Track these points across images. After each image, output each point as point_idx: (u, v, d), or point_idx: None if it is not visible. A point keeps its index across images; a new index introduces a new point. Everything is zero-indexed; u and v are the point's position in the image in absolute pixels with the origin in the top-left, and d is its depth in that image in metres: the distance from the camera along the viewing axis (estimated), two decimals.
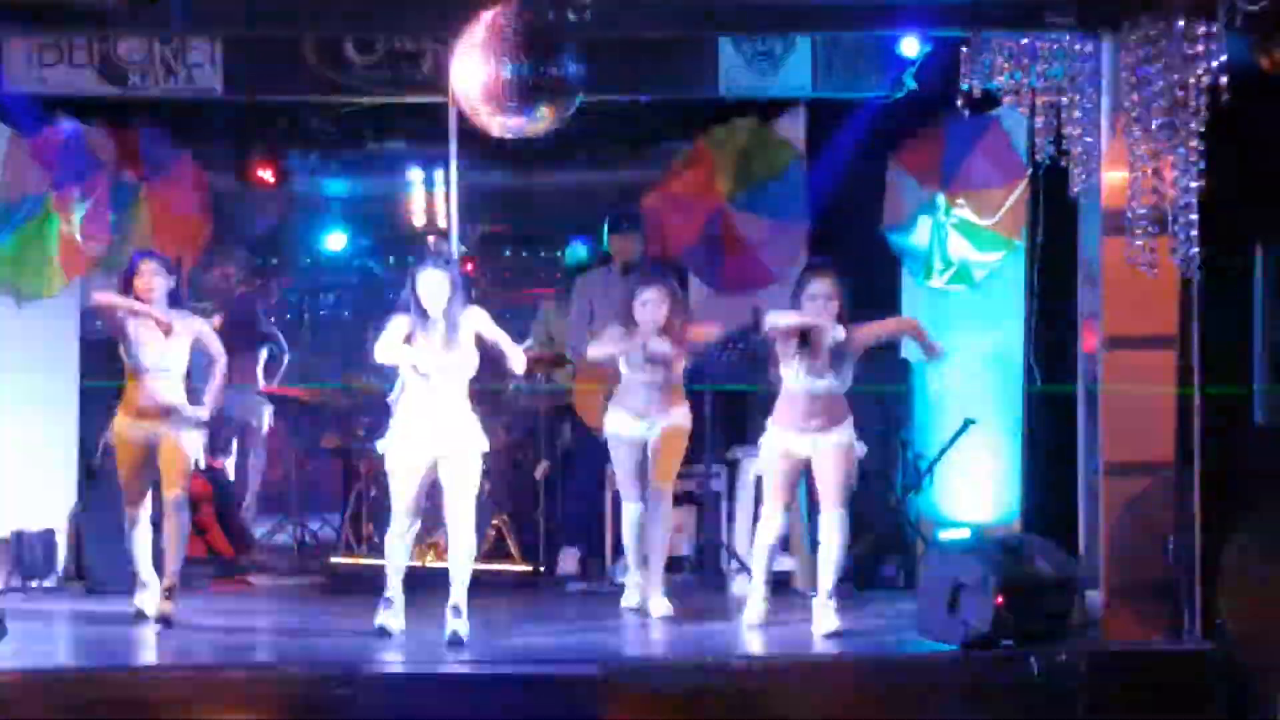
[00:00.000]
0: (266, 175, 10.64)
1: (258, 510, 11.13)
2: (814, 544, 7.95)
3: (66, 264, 9.42)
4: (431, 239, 11.22)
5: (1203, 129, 6.80)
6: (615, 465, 8.34)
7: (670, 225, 9.91)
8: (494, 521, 9.26)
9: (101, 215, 9.47)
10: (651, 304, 8.09)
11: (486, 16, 6.99)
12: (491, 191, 11.28)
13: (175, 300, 8.09)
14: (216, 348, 8.10)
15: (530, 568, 9.23)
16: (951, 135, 9.30)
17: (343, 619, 8.43)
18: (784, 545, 8.64)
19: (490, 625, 7.73)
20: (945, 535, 8.84)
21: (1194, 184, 6.84)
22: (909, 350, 8.81)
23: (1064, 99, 7.40)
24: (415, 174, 11.40)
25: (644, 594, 8.24)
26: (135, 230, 9.55)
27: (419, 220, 11.51)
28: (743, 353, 8.97)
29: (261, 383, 11.06)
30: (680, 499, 8.60)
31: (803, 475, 7.77)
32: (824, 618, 7.56)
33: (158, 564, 8.11)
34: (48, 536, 9.19)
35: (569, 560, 9.42)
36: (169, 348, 7.95)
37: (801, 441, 7.60)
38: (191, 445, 8.01)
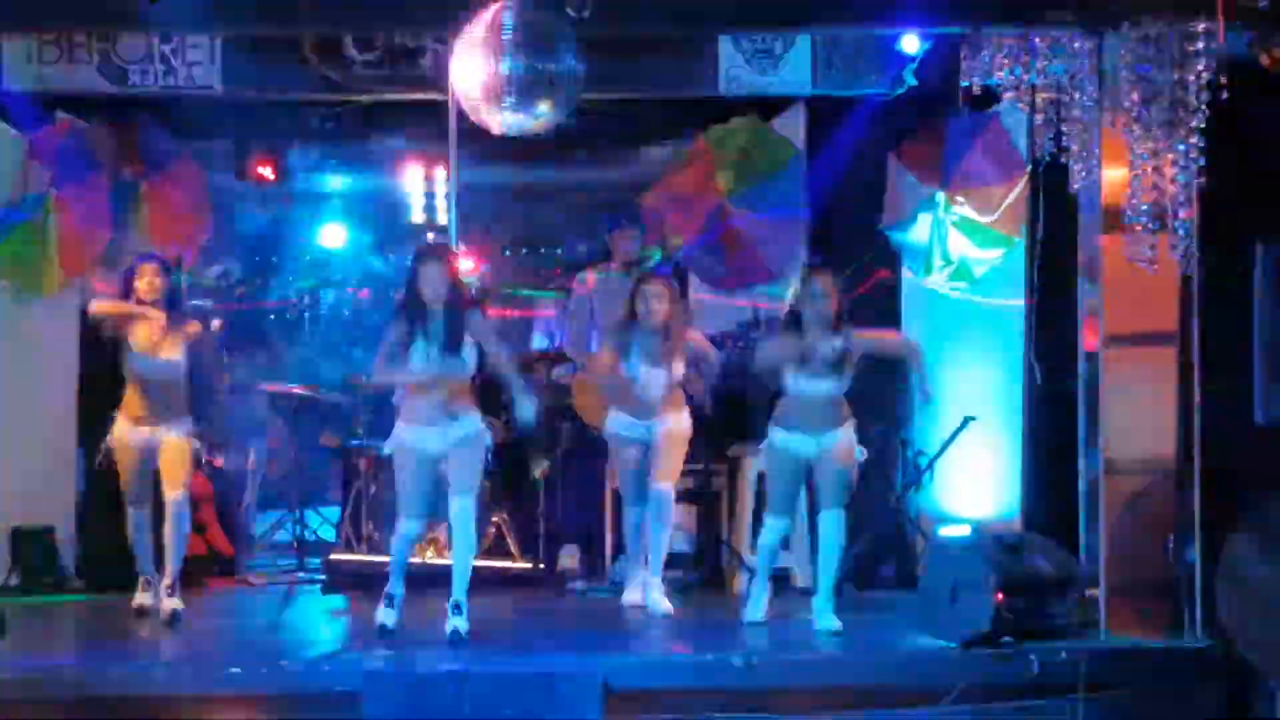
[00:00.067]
0: (266, 173, 10.63)
1: (257, 508, 11.14)
2: (814, 543, 7.95)
3: (66, 262, 9.41)
4: (431, 236, 11.22)
5: (1202, 126, 6.81)
6: (617, 469, 8.33)
7: (670, 223, 9.89)
8: (494, 519, 9.26)
9: (101, 213, 9.46)
10: (652, 299, 8.08)
11: (486, 14, 6.99)
12: (491, 189, 11.27)
13: (175, 302, 8.09)
14: (210, 358, 8.08)
15: (530, 565, 9.23)
16: (951, 132, 9.29)
17: (342, 616, 8.45)
18: (784, 543, 8.66)
19: (490, 623, 7.72)
20: (945, 533, 8.84)
21: (1194, 181, 6.84)
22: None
23: (1064, 96, 7.40)
24: (415, 171, 11.39)
25: (645, 590, 8.24)
26: (135, 228, 9.54)
27: (418, 218, 11.49)
28: (743, 350, 8.99)
29: (263, 381, 11.07)
30: (680, 496, 8.59)
31: (803, 477, 7.77)
32: (824, 616, 7.57)
33: (158, 561, 8.11)
34: (49, 534, 9.18)
35: (569, 558, 9.42)
36: (167, 351, 7.94)
37: (804, 442, 7.61)
38: (192, 446, 8.00)
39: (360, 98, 9.63)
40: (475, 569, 7.52)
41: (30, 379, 9.26)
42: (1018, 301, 9.01)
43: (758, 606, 7.83)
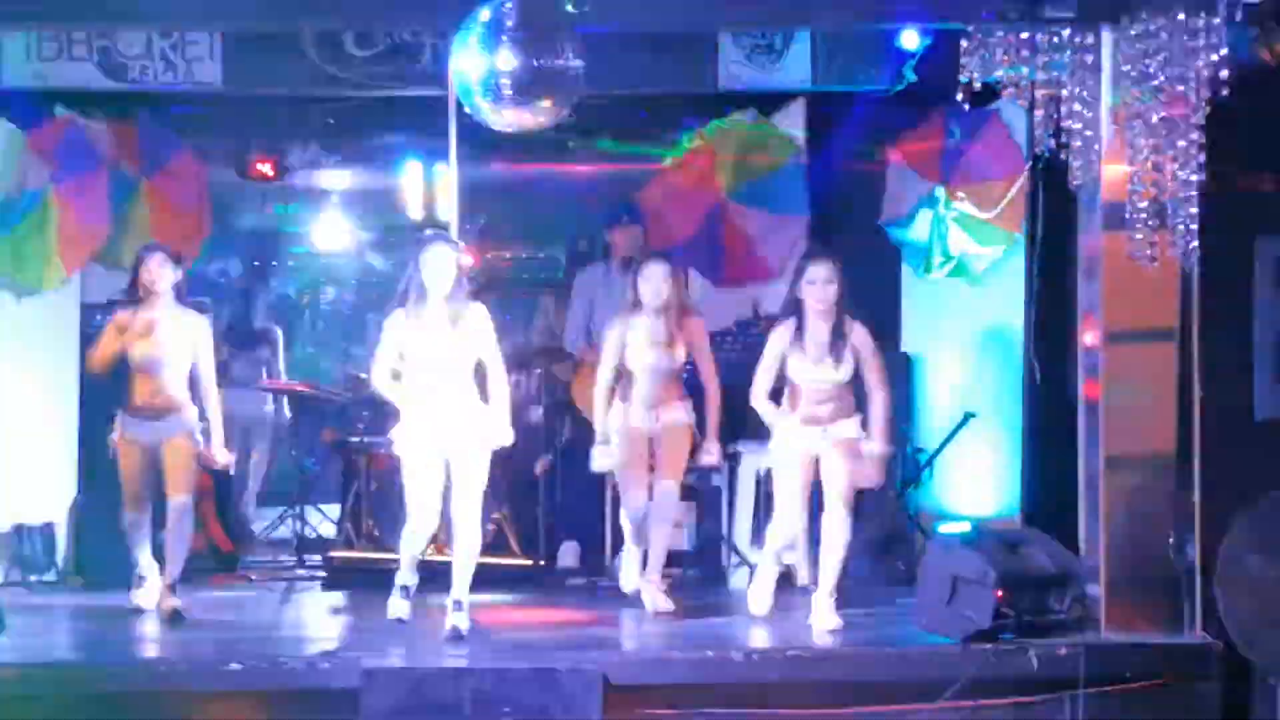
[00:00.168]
0: (266, 169, 10.63)
1: (257, 504, 11.14)
2: (816, 541, 7.93)
3: (66, 258, 9.42)
4: (429, 233, 11.20)
5: (1203, 122, 6.79)
6: (621, 459, 8.21)
7: (670, 219, 9.89)
8: (494, 516, 9.25)
9: (101, 209, 9.46)
10: (655, 279, 8.04)
11: (486, 10, 6.98)
12: (491, 185, 11.27)
13: (179, 295, 8.08)
14: (208, 365, 8.05)
15: (530, 562, 9.22)
16: (951, 128, 9.29)
17: (342, 613, 8.45)
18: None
19: (490, 619, 7.72)
20: (945, 529, 8.80)
21: (1194, 177, 6.83)
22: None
23: (1064, 92, 7.39)
24: (415, 167, 11.39)
25: (642, 575, 8.20)
26: (134, 224, 9.54)
27: (419, 214, 11.50)
28: (743, 348, 8.98)
29: (264, 378, 11.06)
30: (680, 494, 8.57)
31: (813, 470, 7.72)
32: (824, 614, 7.56)
33: (158, 561, 8.10)
34: (48, 530, 9.19)
35: (568, 554, 9.41)
36: (169, 346, 7.93)
37: (811, 434, 7.58)
38: (195, 445, 8.00)
39: (361, 94, 9.63)
40: (476, 565, 7.51)
41: (30, 376, 9.26)
42: (1017, 298, 9.01)
43: (764, 600, 7.84)
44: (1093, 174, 7.42)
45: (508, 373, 7.60)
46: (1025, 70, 7.43)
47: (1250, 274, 7.27)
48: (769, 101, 9.86)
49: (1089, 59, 7.32)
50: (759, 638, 7.64)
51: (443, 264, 7.34)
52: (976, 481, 9.22)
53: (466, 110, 7.23)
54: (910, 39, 8.93)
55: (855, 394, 7.63)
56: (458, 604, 7.34)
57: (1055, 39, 7.38)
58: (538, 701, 6.62)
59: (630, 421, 8.13)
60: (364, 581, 9.00)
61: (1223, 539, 7.01)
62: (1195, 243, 6.90)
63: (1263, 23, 6.91)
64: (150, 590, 8.09)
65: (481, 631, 7.41)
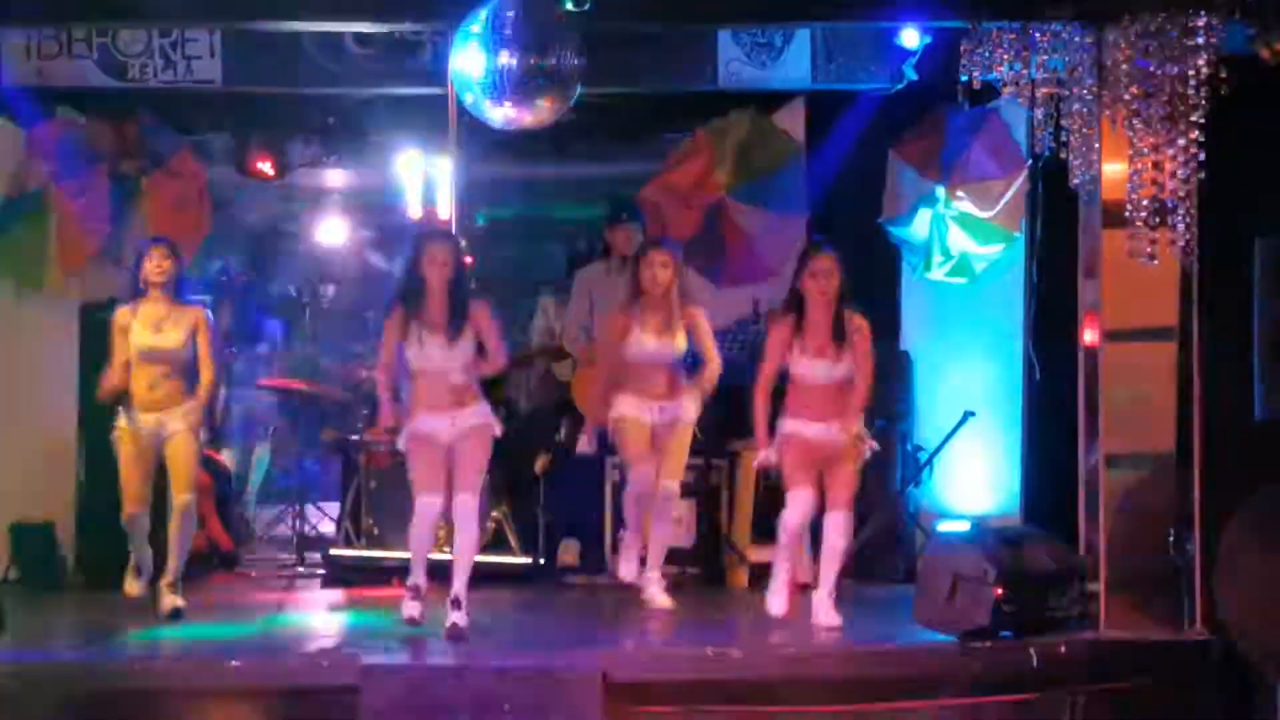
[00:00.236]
0: (266, 167, 10.63)
1: (257, 502, 11.14)
2: (816, 540, 7.93)
3: (66, 257, 9.42)
4: (430, 228, 11.21)
5: (1202, 120, 6.80)
6: (625, 444, 8.12)
7: (669, 217, 9.89)
8: (493, 514, 9.26)
9: (101, 208, 9.46)
10: (656, 266, 8.01)
11: (486, 8, 6.99)
12: (491, 183, 11.27)
13: (181, 288, 8.08)
14: (211, 348, 8.04)
15: (529, 560, 9.22)
16: (951, 127, 9.29)
17: (342, 611, 8.45)
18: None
19: (489, 617, 7.72)
20: (945, 527, 8.82)
21: (1193, 176, 6.84)
22: None
23: (1064, 91, 7.40)
24: (415, 165, 11.39)
25: (642, 573, 8.18)
26: (135, 223, 9.54)
27: (418, 212, 11.50)
28: (742, 346, 8.99)
29: (264, 376, 11.08)
30: (681, 491, 8.57)
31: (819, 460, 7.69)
32: (824, 612, 7.56)
33: (158, 558, 8.10)
34: (49, 529, 9.18)
35: (568, 552, 9.41)
36: (171, 334, 7.92)
37: (815, 429, 7.56)
38: (199, 441, 8.00)
39: (361, 91, 9.63)
40: (475, 564, 7.52)
41: (30, 375, 9.26)
42: (1017, 296, 9.01)
43: (780, 597, 7.76)
44: (1092, 172, 7.43)
45: (508, 371, 7.60)
46: (1025, 69, 7.44)
47: (1250, 272, 7.27)
48: (769, 100, 9.86)
49: (1089, 57, 7.33)
50: (759, 635, 7.64)
51: (443, 261, 7.33)
52: (976, 479, 9.22)
53: (467, 108, 7.23)
54: (910, 37, 8.93)
55: None
56: (457, 602, 7.34)
57: (1055, 37, 7.39)
58: (537, 699, 6.62)
59: (632, 412, 8.07)
60: (363, 579, 9.02)
61: (1222, 536, 7.01)
62: (1195, 241, 6.90)
63: (1261, 20, 6.90)
64: (143, 581, 8.06)
65: (481, 629, 7.41)
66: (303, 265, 12.98)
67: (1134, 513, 7.34)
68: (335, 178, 12.14)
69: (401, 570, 7.95)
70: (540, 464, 9.48)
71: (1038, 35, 7.43)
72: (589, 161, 11.13)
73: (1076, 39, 7.36)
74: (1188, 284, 7.24)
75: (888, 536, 9.11)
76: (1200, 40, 6.76)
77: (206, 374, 8.01)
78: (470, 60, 7.00)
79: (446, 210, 9.81)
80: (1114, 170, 7.30)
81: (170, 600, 7.88)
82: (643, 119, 10.27)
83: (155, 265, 7.95)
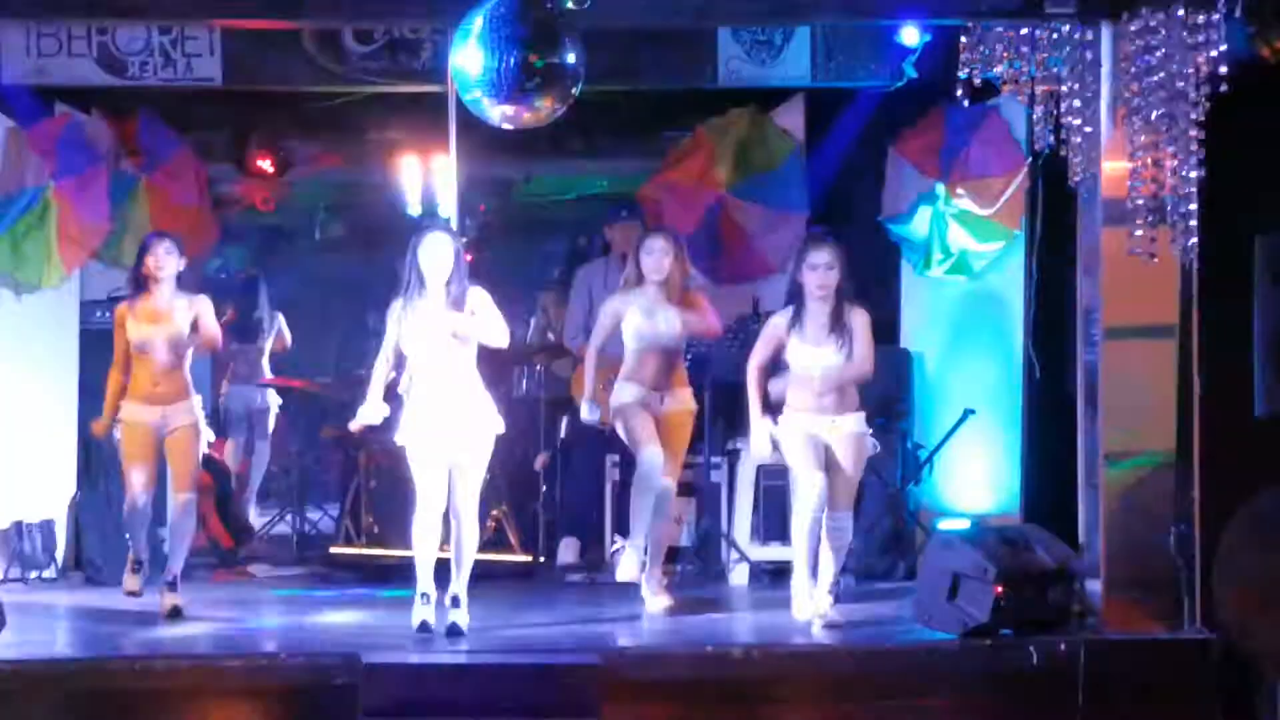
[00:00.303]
0: (265, 165, 10.63)
1: (257, 501, 11.15)
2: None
3: (66, 255, 9.42)
4: (428, 222, 11.22)
5: (1202, 118, 6.79)
6: (631, 428, 7.97)
7: (669, 215, 9.89)
8: (493, 512, 9.26)
9: (100, 206, 9.46)
10: (658, 253, 7.97)
11: (486, 6, 6.98)
12: (491, 181, 11.28)
13: (182, 285, 8.06)
14: (212, 328, 8.02)
15: (529, 558, 9.23)
16: (951, 125, 9.29)
17: (342, 609, 8.45)
18: (784, 534, 8.65)
19: (489, 615, 7.72)
20: (945, 525, 8.83)
21: (1194, 173, 6.83)
22: None
23: (1063, 88, 7.39)
24: (414, 163, 11.39)
25: (644, 571, 8.14)
26: (135, 221, 9.54)
27: (418, 210, 11.51)
28: (742, 344, 8.97)
29: (267, 374, 11.08)
30: (680, 490, 8.57)
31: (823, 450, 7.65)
32: (824, 610, 7.54)
33: (155, 555, 8.10)
34: (47, 527, 9.18)
35: (568, 550, 9.41)
36: (171, 329, 7.91)
37: (819, 422, 7.49)
38: (199, 439, 7.99)
39: (360, 90, 9.63)
40: (474, 562, 7.51)
41: (30, 372, 9.27)
42: (1017, 294, 9.01)
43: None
44: (1092, 170, 7.43)
45: (507, 370, 7.57)
46: (1025, 66, 7.44)
47: (1250, 270, 7.26)
48: (768, 97, 9.86)
49: (1088, 55, 7.32)
50: (758, 633, 7.64)
51: (441, 253, 7.32)
52: (976, 478, 9.22)
53: (466, 106, 7.23)
54: (910, 35, 8.93)
55: (859, 389, 7.60)
56: (456, 600, 7.33)
57: (1055, 35, 7.39)
58: (537, 698, 6.61)
59: (633, 398, 7.97)
60: (364, 577, 9.03)
61: (1222, 535, 7.01)
62: (1195, 239, 6.90)
63: (1262, 18, 6.90)
64: (143, 576, 8.03)
65: (481, 628, 7.41)
66: (302, 262, 12.99)
67: (1134, 511, 7.34)
68: (335, 175, 12.14)
69: (401, 569, 7.94)
70: (540, 462, 9.49)
71: (1038, 33, 7.43)
72: (589, 159, 11.12)
73: (1076, 36, 7.36)
74: (1188, 282, 7.23)
75: (887, 535, 9.11)
76: (1200, 38, 6.75)
77: (211, 337, 7.98)
78: (470, 58, 6.99)
79: (446, 208, 9.81)
80: (1114, 168, 7.29)
81: (170, 599, 7.87)
82: (643, 117, 10.27)
83: (157, 261, 7.94)
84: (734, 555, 9.08)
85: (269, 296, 11.31)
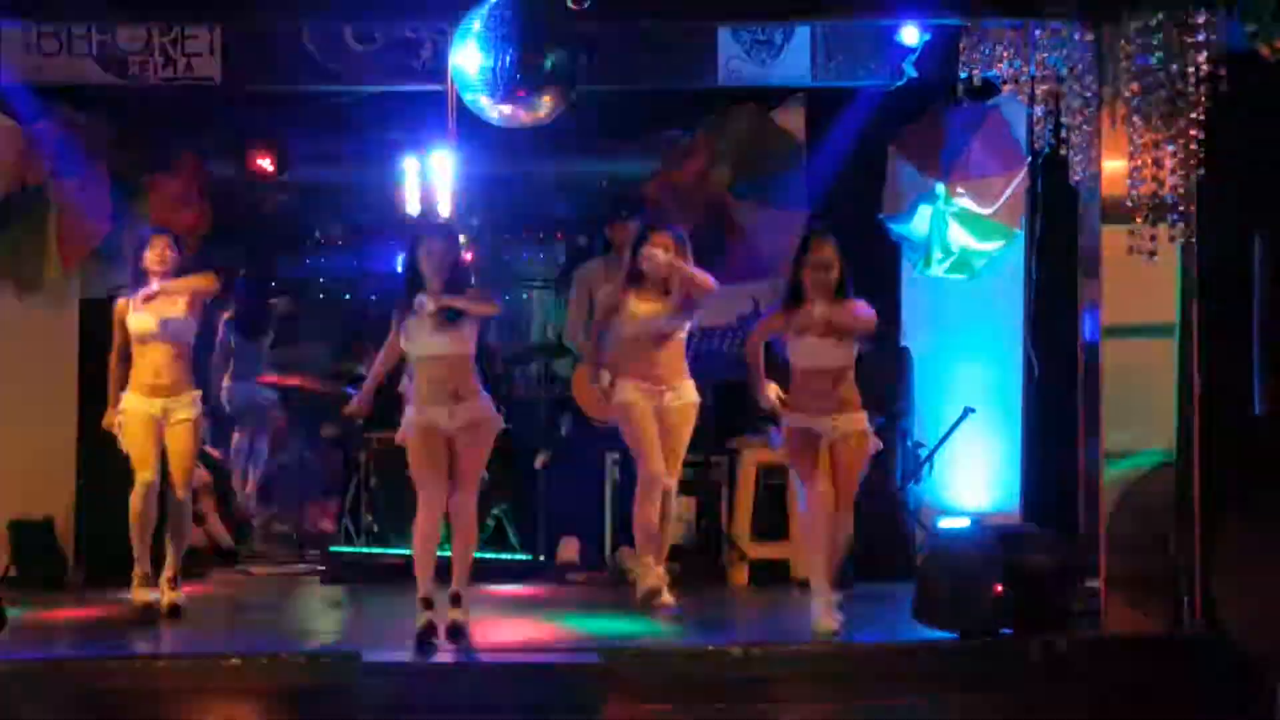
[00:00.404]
0: (265, 164, 10.62)
1: (257, 500, 11.15)
2: None
3: (66, 254, 9.42)
4: (428, 223, 11.22)
5: (1202, 118, 6.80)
6: (634, 435, 7.94)
7: (670, 215, 9.88)
8: (494, 511, 9.26)
9: (100, 205, 9.46)
10: (658, 248, 7.92)
11: (486, 6, 6.99)
12: (491, 181, 11.27)
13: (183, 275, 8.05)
14: (198, 283, 8.00)
15: (530, 557, 9.23)
16: (951, 124, 9.30)
17: (342, 609, 8.45)
18: (783, 533, 8.67)
19: (490, 614, 7.73)
20: (945, 524, 8.84)
21: (1193, 172, 6.83)
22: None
23: (1063, 88, 7.40)
24: (414, 163, 11.38)
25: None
26: (134, 220, 9.53)
27: (418, 209, 11.50)
28: (743, 343, 8.97)
29: (268, 372, 11.08)
30: (680, 488, 8.57)
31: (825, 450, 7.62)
32: (824, 608, 7.53)
33: (156, 555, 8.10)
34: (48, 526, 9.18)
35: (568, 549, 9.42)
36: (170, 315, 7.89)
37: (821, 422, 7.49)
38: (198, 433, 7.98)
39: (360, 89, 9.63)
40: (475, 561, 7.51)
41: (30, 371, 9.27)
42: (1017, 293, 9.01)
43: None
44: (1092, 169, 7.43)
45: (508, 369, 7.56)
46: (1025, 66, 7.44)
47: (1249, 268, 7.27)
48: (769, 97, 9.86)
49: (1088, 54, 7.32)
50: (758, 632, 7.64)
51: (440, 255, 7.32)
52: (976, 476, 9.23)
53: (466, 105, 7.23)
54: (910, 35, 8.93)
55: (860, 389, 7.59)
56: (456, 599, 7.32)
57: (1055, 35, 7.39)
58: (537, 696, 6.62)
59: (636, 396, 7.96)
60: (363, 576, 9.03)
61: (1222, 536, 7.01)
62: (1194, 237, 6.90)
63: (1260, 18, 6.90)
64: (149, 588, 8.02)
65: (481, 626, 7.41)
66: (302, 262, 12.98)
67: (1134, 510, 7.34)
68: (335, 175, 12.12)
69: (401, 569, 7.94)
70: (540, 461, 9.49)
71: (1038, 32, 7.43)
72: (589, 159, 11.11)
73: (1076, 36, 7.36)
74: (1187, 281, 7.24)
75: (887, 534, 9.11)
76: (1200, 37, 6.75)
77: (195, 287, 7.96)
78: (470, 58, 7.00)
79: (445, 208, 9.81)
80: (1114, 167, 7.30)
81: (170, 596, 7.87)
82: (643, 117, 10.26)
83: (157, 255, 7.94)
84: (734, 554, 9.08)
85: (267, 301, 11.31)
